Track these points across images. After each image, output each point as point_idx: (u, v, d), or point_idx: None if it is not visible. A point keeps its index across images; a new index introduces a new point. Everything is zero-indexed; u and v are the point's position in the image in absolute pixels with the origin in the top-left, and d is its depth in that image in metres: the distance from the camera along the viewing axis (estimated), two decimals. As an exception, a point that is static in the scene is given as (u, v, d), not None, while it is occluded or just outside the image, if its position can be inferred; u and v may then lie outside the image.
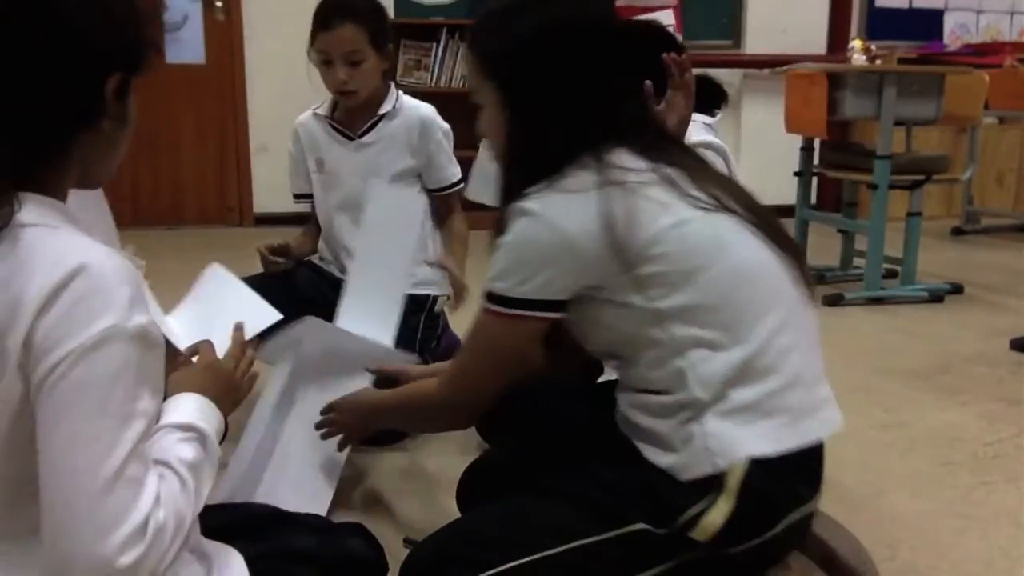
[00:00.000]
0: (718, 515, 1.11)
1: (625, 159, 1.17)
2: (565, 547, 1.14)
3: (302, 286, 2.36)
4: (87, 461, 0.80)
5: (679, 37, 2.45)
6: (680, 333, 1.14)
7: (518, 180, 1.19)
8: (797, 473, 1.16)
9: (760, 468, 1.12)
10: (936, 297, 3.69)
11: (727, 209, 1.18)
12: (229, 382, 1.09)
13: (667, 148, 1.23)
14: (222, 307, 1.38)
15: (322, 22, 2.15)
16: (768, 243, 1.20)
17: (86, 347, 0.80)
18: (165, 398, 0.98)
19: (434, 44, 5.12)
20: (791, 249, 1.23)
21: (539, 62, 1.18)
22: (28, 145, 0.87)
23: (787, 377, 1.15)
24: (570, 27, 1.20)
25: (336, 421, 1.57)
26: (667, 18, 5.23)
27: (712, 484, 1.12)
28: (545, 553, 1.14)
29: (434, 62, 5.13)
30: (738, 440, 1.12)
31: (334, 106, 2.34)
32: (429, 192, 2.36)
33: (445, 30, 5.11)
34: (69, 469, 0.80)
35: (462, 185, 2.33)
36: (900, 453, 2.15)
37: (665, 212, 1.14)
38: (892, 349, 3.06)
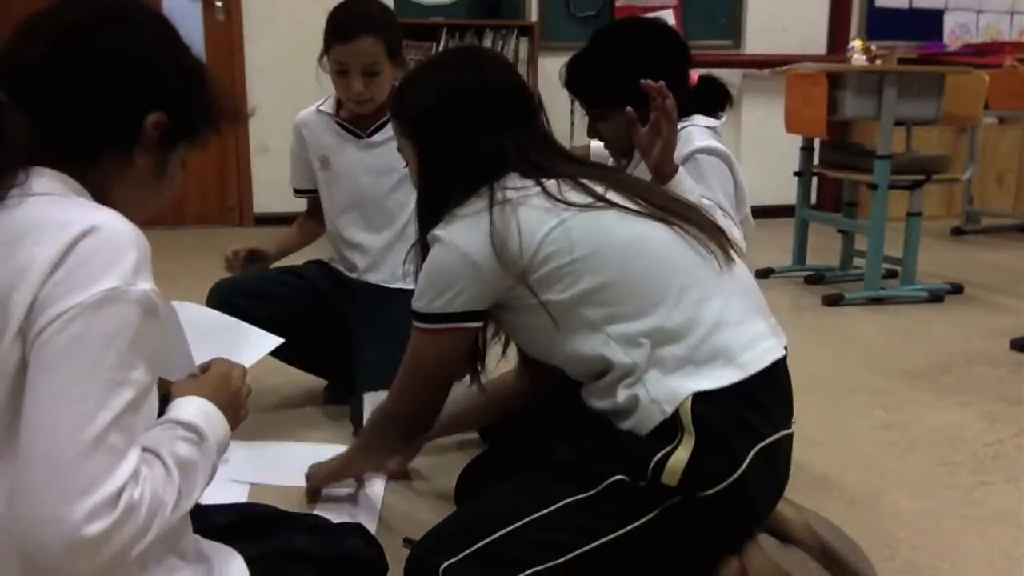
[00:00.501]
0: (683, 453, 1.22)
1: (515, 181, 1.34)
2: (551, 508, 1.25)
3: (315, 283, 2.36)
4: (69, 422, 0.78)
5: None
6: (592, 315, 1.28)
7: (430, 215, 1.38)
8: (747, 405, 1.26)
9: (706, 400, 1.24)
10: (936, 297, 3.69)
11: (608, 202, 1.32)
12: (236, 398, 1.08)
13: (555, 164, 1.39)
14: (217, 341, 1.37)
15: (339, 33, 2.13)
16: (661, 220, 1.33)
17: (85, 305, 0.80)
18: (169, 402, 0.98)
19: (434, 44, 5.11)
20: (697, 222, 1.38)
21: (437, 121, 1.40)
22: (54, 135, 0.90)
23: (709, 324, 1.28)
24: (462, 91, 1.40)
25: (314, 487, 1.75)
26: (667, 18, 5.25)
27: (671, 430, 1.23)
28: (532, 516, 1.24)
29: (434, 62, 5.13)
30: (679, 386, 1.25)
31: (339, 103, 2.33)
32: None
33: (445, 30, 5.11)
34: (49, 428, 0.77)
35: None
36: (900, 453, 2.15)
37: (548, 215, 1.29)
38: (892, 349, 3.06)
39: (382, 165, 2.29)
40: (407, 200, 2.31)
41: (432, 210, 1.37)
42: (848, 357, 2.95)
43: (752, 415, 1.26)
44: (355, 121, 2.31)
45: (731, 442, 1.24)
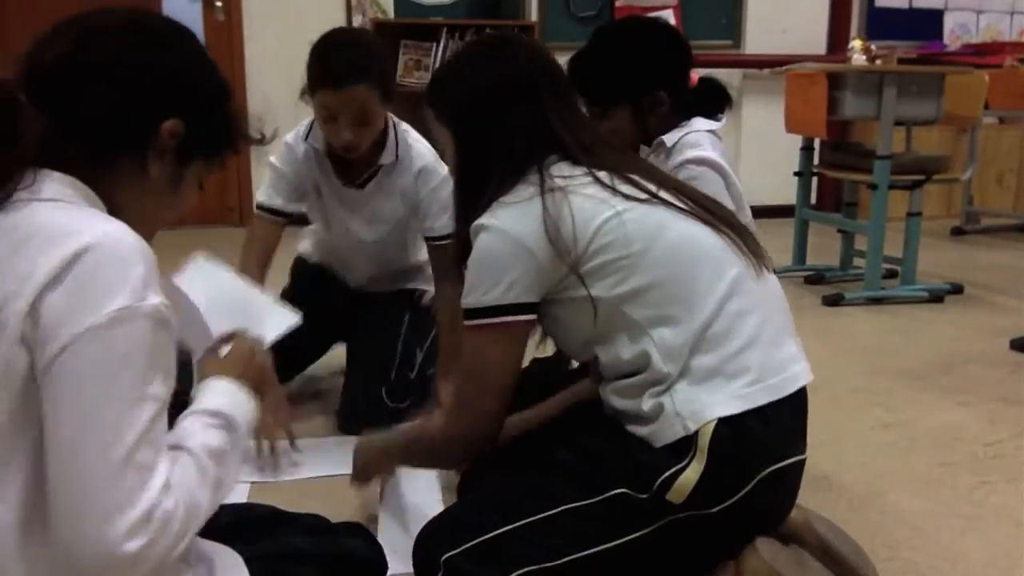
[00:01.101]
0: (692, 474, 1.19)
1: (563, 168, 1.30)
2: (552, 511, 1.23)
3: (328, 307, 2.29)
4: (96, 445, 0.78)
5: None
6: (638, 315, 1.24)
7: (469, 205, 1.32)
8: (767, 429, 1.23)
9: (729, 426, 1.20)
10: (936, 297, 3.69)
11: (661, 200, 1.29)
12: (264, 374, 1.09)
13: (603, 154, 1.34)
14: (236, 310, 1.35)
15: (329, 79, 1.92)
16: (708, 223, 1.30)
17: (98, 327, 0.80)
18: (197, 382, 0.99)
19: (434, 44, 5.12)
20: (736, 228, 1.34)
21: (476, 112, 1.36)
22: (71, 136, 0.91)
23: (744, 339, 1.24)
24: (502, 82, 1.35)
25: (363, 469, 1.60)
26: (667, 18, 5.25)
27: (686, 447, 1.20)
28: (534, 517, 1.23)
29: (434, 62, 5.12)
30: (707, 404, 1.21)
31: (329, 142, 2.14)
32: (427, 241, 2.20)
33: (445, 30, 5.11)
34: (77, 453, 0.78)
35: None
36: (900, 453, 2.15)
37: (603, 206, 1.25)
38: (892, 349, 3.06)
39: (373, 214, 2.21)
40: (405, 243, 2.25)
41: (471, 200, 1.32)
42: (848, 357, 2.95)
43: (769, 439, 1.24)
44: (345, 166, 2.16)
45: (742, 466, 1.22)
